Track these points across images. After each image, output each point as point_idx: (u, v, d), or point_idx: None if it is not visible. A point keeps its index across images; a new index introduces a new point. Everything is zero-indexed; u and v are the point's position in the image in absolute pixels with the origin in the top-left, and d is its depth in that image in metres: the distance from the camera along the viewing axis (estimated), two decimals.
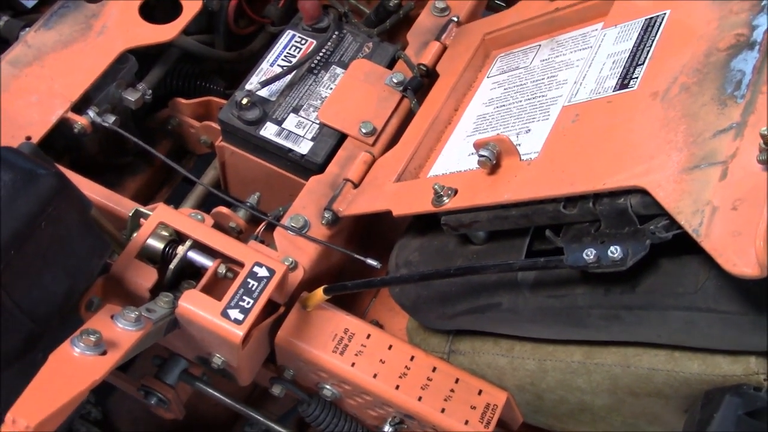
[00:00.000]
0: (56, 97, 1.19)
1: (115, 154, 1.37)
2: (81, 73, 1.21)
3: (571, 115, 0.93)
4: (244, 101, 1.20)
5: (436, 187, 0.96)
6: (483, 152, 0.92)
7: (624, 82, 0.91)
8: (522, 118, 1.05)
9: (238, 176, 1.31)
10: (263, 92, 1.24)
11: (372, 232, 1.31)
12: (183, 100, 1.37)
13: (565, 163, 0.86)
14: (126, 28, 1.26)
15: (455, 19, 1.32)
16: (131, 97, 1.26)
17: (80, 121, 1.18)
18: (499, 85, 1.16)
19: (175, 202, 1.27)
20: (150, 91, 1.29)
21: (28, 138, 1.14)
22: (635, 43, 0.95)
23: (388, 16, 1.40)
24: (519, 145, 1.00)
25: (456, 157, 1.09)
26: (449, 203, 0.95)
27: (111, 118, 1.23)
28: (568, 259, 0.81)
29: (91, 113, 1.20)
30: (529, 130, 1.02)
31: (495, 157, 0.92)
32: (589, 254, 0.78)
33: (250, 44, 1.50)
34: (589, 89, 0.95)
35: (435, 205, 0.96)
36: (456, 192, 0.96)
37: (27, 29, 1.29)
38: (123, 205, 1.09)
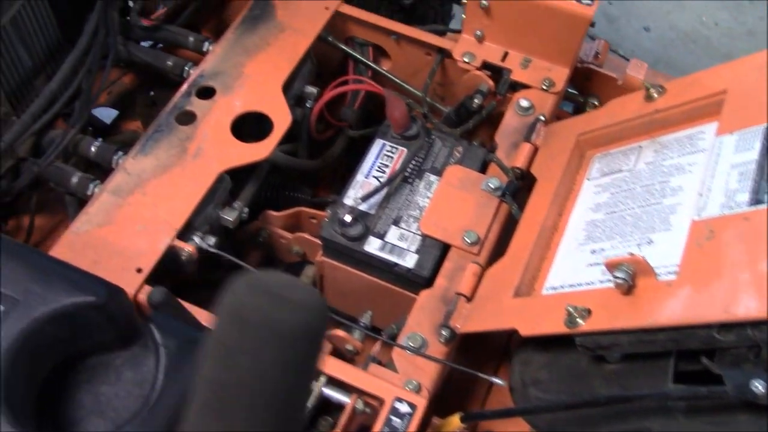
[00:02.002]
0: (161, 224, 1.19)
1: (209, 272, 1.37)
2: (182, 199, 1.22)
3: (704, 231, 0.93)
4: (348, 218, 1.20)
5: (569, 309, 0.95)
6: (619, 274, 0.92)
7: (757, 197, 0.91)
8: (639, 227, 1.05)
9: (337, 288, 1.31)
10: (362, 206, 1.25)
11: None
12: (274, 213, 1.37)
13: (714, 287, 0.85)
14: (221, 149, 1.28)
15: (542, 118, 1.33)
16: (229, 216, 1.27)
17: (187, 248, 1.19)
18: (603, 189, 1.16)
19: None
20: (247, 210, 1.30)
21: (139, 270, 1.15)
22: (760, 152, 0.95)
23: (470, 116, 1.42)
24: (644, 257, 0.99)
25: (572, 268, 1.08)
26: (585, 325, 0.94)
27: (212, 240, 1.23)
28: (731, 389, 0.80)
29: (197, 239, 1.21)
30: (651, 241, 1.02)
31: (631, 278, 0.91)
32: (759, 386, 0.77)
33: (330, 149, 1.51)
34: (719, 203, 0.95)
35: (569, 326, 0.95)
36: (590, 312, 0.95)
37: (120, 153, 1.32)
38: None
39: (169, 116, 1.31)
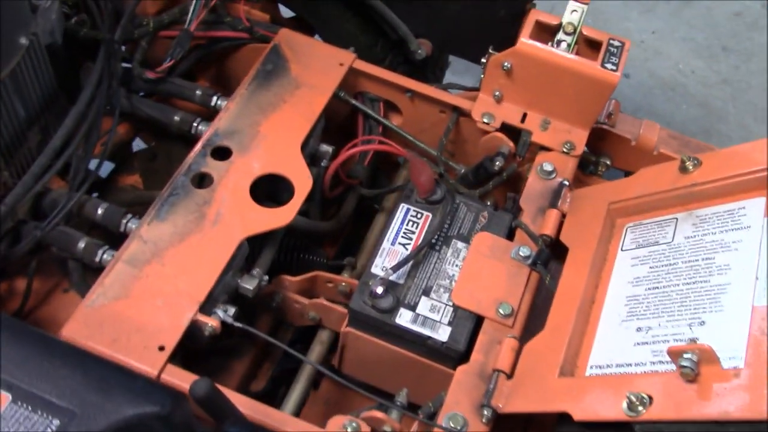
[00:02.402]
0: (182, 297, 1.13)
1: (220, 339, 1.31)
2: (203, 269, 1.16)
3: (766, 318, 0.92)
4: (380, 290, 1.16)
5: (630, 396, 0.93)
6: (685, 363, 0.89)
7: None
8: (688, 306, 1.03)
9: (361, 359, 1.26)
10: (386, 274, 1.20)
11: None
12: (290, 278, 1.31)
13: None
14: (241, 215, 1.22)
15: (566, 183, 1.31)
16: (249, 285, 1.21)
17: (211, 323, 1.12)
18: (641, 261, 1.14)
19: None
20: (266, 277, 1.24)
21: (161, 348, 1.08)
22: None
23: (489, 177, 1.39)
24: (697, 339, 0.98)
25: (618, 346, 1.06)
26: (646, 414, 0.92)
27: (232, 310, 1.17)
28: None
29: (220, 312, 1.15)
30: (703, 322, 1.00)
31: (696, 366, 0.90)
32: None
33: (342, 208, 1.47)
34: None
35: (629, 414, 0.93)
36: (652, 400, 0.93)
37: (129, 216, 1.25)
38: (285, 423, 1.03)
39: (185, 178, 1.24)
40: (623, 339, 1.06)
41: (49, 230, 1.23)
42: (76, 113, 1.31)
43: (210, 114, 1.43)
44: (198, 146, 1.29)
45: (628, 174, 1.44)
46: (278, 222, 1.23)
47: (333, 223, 1.41)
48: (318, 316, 1.33)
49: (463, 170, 1.48)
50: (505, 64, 1.35)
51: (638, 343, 1.04)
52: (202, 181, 1.26)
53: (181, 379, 1.06)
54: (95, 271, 1.23)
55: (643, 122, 1.47)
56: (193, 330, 1.12)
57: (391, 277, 1.20)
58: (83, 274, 1.27)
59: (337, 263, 1.41)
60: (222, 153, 1.29)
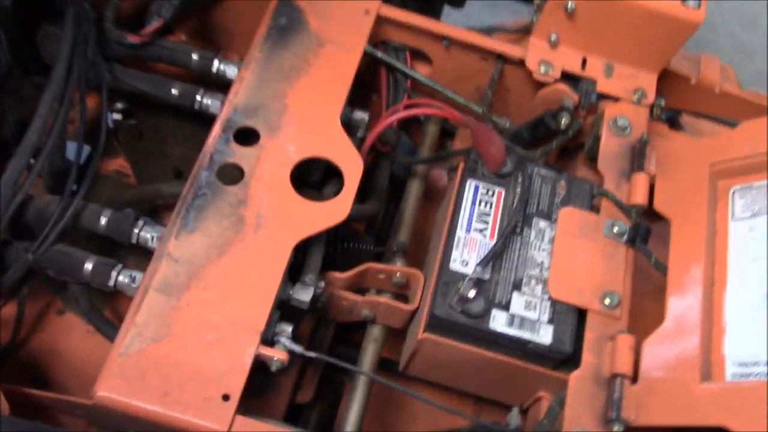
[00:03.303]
0: (237, 328, 0.91)
1: None
2: (256, 288, 0.94)
3: None
4: (471, 294, 0.97)
5: None
6: None
7: None
8: None
9: (434, 362, 1.09)
10: (467, 269, 1.02)
11: None
12: (338, 275, 1.10)
13: None
14: (287, 214, 1.00)
15: (646, 138, 1.14)
16: (304, 297, 1.01)
17: (277, 356, 0.92)
18: (762, 233, 1.00)
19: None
20: (322, 284, 1.04)
21: (226, 397, 0.87)
22: None
23: (550, 135, 1.21)
24: None
25: (760, 338, 0.92)
26: None
27: (289, 329, 0.97)
28: None
29: (284, 340, 0.94)
30: None
31: None
32: None
33: (377, 182, 1.26)
34: None
35: None
36: None
37: (141, 223, 1.01)
38: None
39: (209, 173, 1.00)
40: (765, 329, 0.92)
41: (44, 252, 0.98)
42: (50, 97, 1.04)
43: (207, 82, 1.18)
44: (216, 130, 1.04)
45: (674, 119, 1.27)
46: (333, 219, 1.01)
47: (375, 203, 1.19)
48: (372, 313, 1.14)
49: (507, 124, 1.29)
50: (570, 4, 1.14)
51: None
52: (231, 175, 1.02)
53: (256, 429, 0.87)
54: (102, 292, 1.00)
55: (701, 57, 1.31)
56: (256, 367, 0.91)
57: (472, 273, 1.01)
58: (89, 299, 1.03)
59: (381, 250, 1.20)
60: (247, 136, 1.05)
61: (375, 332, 1.16)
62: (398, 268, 1.13)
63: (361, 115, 1.17)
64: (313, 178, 1.14)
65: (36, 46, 1.19)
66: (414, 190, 1.28)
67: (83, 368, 1.09)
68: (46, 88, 1.04)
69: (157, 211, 1.23)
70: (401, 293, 1.14)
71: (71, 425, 1.03)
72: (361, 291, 1.14)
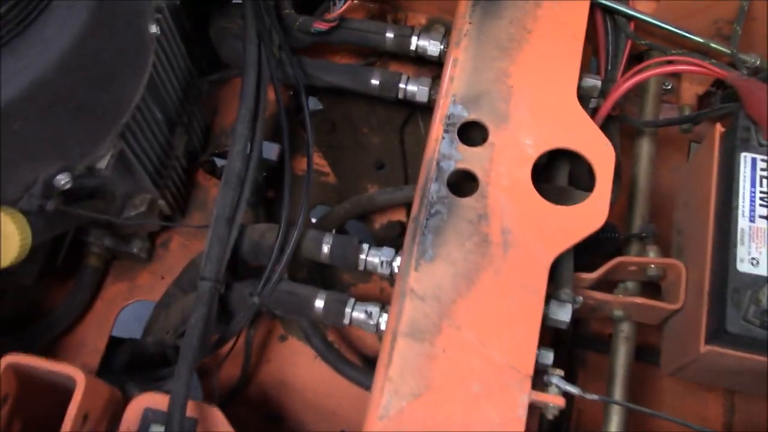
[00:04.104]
0: (504, 375, 0.78)
1: None
2: (518, 322, 0.80)
3: None
4: None
5: None
6: None
7: None
8: None
9: (714, 371, 0.93)
10: (759, 270, 0.84)
11: None
12: (586, 275, 0.95)
13: None
14: (537, 225, 0.84)
15: None
16: (564, 317, 0.86)
17: (552, 402, 0.79)
18: None
19: None
20: (580, 299, 0.89)
21: None
22: None
23: None
24: None
25: None
26: None
27: (556, 367, 0.83)
28: None
29: (557, 381, 0.81)
30: None
31: None
32: None
33: None
34: None
35: None
36: None
37: (366, 247, 0.89)
38: None
39: (438, 186, 0.86)
40: None
41: (270, 293, 0.88)
42: (248, 111, 0.92)
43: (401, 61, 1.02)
44: (437, 129, 0.89)
45: None
46: (590, 225, 0.85)
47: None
48: (624, 315, 0.99)
49: (757, 62, 1.06)
50: None
51: None
52: (464, 183, 0.87)
53: None
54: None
55: None
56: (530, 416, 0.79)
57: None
58: (323, 336, 0.94)
59: (628, 236, 1.03)
60: (473, 132, 0.90)
61: (626, 329, 1.01)
62: (653, 259, 0.96)
63: (592, 82, 0.98)
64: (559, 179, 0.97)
65: (207, 43, 1.07)
66: (645, 151, 1.09)
67: (315, 398, 1.02)
68: (240, 102, 0.92)
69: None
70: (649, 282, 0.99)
71: None
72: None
